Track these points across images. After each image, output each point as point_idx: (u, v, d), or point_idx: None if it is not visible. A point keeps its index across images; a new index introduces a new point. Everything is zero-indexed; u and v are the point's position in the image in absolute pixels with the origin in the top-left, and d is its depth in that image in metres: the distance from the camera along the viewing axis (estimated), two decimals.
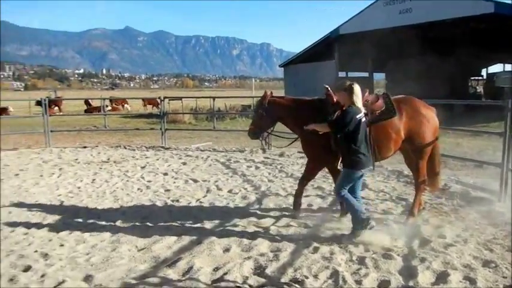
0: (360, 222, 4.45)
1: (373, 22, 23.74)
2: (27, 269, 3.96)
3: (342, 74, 32.48)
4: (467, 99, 25.04)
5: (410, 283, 3.61)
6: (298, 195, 5.48)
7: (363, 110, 4.47)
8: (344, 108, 4.43)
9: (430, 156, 5.25)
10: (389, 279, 3.67)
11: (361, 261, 4.04)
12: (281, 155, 10.13)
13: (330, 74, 27.44)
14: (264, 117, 5.24)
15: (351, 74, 37.26)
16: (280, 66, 34.51)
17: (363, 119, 4.42)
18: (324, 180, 7.49)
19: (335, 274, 3.76)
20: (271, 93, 5.34)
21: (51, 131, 12.38)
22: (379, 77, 45.80)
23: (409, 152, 5.31)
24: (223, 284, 3.62)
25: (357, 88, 4.42)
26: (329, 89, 4.99)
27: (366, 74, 35.97)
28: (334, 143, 4.78)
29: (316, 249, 4.32)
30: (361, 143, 4.39)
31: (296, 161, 9.47)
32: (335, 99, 4.78)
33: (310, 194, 6.62)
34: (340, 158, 4.76)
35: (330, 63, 27.80)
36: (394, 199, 6.31)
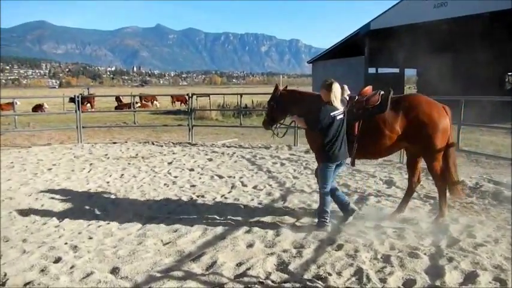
0: (320, 218, 4.83)
1: (406, 17, 23.17)
2: (57, 260, 4.08)
3: (371, 70, 31.94)
4: (504, 95, 24.13)
5: (437, 283, 3.53)
6: None
7: (341, 108, 4.67)
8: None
9: (444, 164, 4.98)
10: (414, 278, 3.59)
11: (386, 259, 3.97)
12: (307, 151, 10.07)
13: (359, 70, 27.06)
14: (275, 109, 5.49)
15: (380, 70, 36.58)
16: (308, 62, 34.28)
17: (339, 116, 4.62)
18: (350, 177, 7.42)
19: (359, 272, 3.71)
20: (286, 86, 5.65)
21: (83, 127, 12.72)
22: (411, 73, 44.78)
23: (412, 152, 5.24)
24: (246, 279, 3.63)
25: (335, 87, 4.61)
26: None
27: (396, 70, 35.24)
28: (307, 138, 5.24)
29: (340, 247, 4.28)
30: (335, 138, 4.62)
31: None
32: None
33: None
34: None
35: (360, 59, 27.37)
36: (422, 197, 6.17)
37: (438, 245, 4.29)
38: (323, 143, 4.65)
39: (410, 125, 4.80)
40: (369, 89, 5.25)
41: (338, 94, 4.65)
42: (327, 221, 4.81)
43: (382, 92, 5.10)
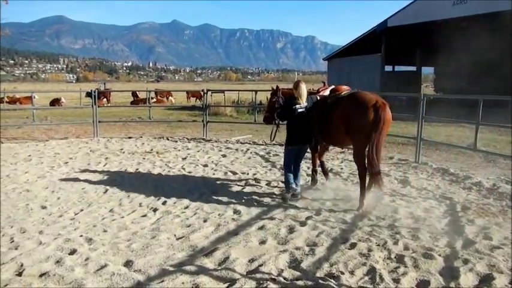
0: (287, 189, 5.94)
1: (424, 14, 22.80)
2: (72, 252, 4.14)
3: (388, 68, 31.59)
4: None
5: (452, 284, 3.48)
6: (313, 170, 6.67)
7: (304, 104, 5.79)
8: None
9: (368, 153, 5.21)
10: (428, 280, 3.55)
11: (400, 259, 3.93)
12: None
13: (376, 67, 26.77)
14: (276, 106, 6.23)
15: (397, 68, 36.13)
16: (324, 59, 34.03)
17: (300, 110, 5.75)
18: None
19: (372, 271, 3.68)
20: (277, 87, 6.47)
21: (99, 122, 12.86)
22: (429, 71, 44.14)
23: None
24: (258, 275, 3.64)
25: (300, 87, 5.79)
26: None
27: (413, 68, 34.77)
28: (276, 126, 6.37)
29: (353, 245, 4.25)
30: (297, 127, 5.79)
31: (336, 155, 9.34)
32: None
33: (350, 189, 6.52)
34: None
35: (376, 56, 27.08)
36: (438, 198, 6.08)
37: (453, 247, 4.23)
38: (288, 130, 5.92)
39: (344, 117, 5.44)
40: (326, 88, 6.31)
41: (302, 92, 5.78)
42: (292, 184, 5.90)
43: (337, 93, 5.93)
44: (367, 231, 4.67)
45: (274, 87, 6.38)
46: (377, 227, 4.77)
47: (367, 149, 5.22)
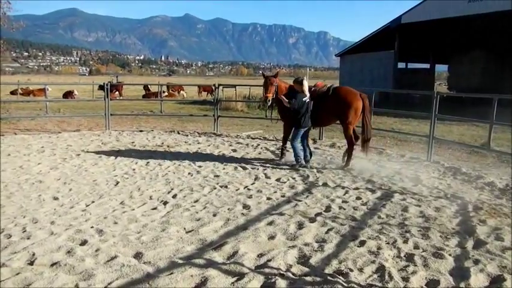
0: (297, 161, 7.67)
1: (439, 11, 22.50)
2: (83, 243, 4.19)
3: (401, 65, 31.27)
4: None
5: (462, 285, 3.44)
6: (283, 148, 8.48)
7: (308, 95, 7.50)
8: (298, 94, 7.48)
9: (362, 127, 7.75)
10: (438, 279, 3.52)
11: (410, 258, 3.91)
12: (332, 145, 9.99)
13: (389, 64, 26.53)
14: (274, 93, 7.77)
15: (410, 65, 35.76)
16: (336, 55, 33.83)
17: (307, 100, 7.47)
18: (375, 173, 7.33)
19: (381, 269, 3.66)
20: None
21: (111, 115, 12.96)
22: (442, 69, 43.63)
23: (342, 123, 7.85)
24: (266, 270, 3.64)
25: (305, 82, 7.54)
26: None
27: (427, 66, 34.38)
28: (280, 113, 8.13)
29: (362, 243, 4.23)
30: (304, 113, 7.47)
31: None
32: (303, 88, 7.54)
33: (360, 186, 6.50)
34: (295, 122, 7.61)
35: (389, 53, 26.84)
36: (449, 197, 6.01)
37: (464, 247, 4.19)
38: (297, 117, 7.48)
39: (337, 106, 7.60)
40: (321, 83, 8.22)
41: (307, 86, 7.52)
42: (300, 159, 7.65)
43: (330, 85, 8.00)
44: (377, 229, 4.64)
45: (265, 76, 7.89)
46: (387, 225, 4.75)
47: (363, 124, 7.69)
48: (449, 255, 3.97)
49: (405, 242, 4.27)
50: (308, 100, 7.48)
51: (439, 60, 33.77)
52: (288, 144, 8.16)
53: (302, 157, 7.67)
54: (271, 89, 7.69)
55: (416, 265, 3.76)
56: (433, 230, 4.62)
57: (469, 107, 13.97)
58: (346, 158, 7.87)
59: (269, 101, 7.70)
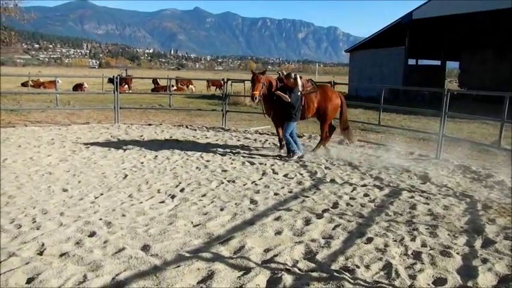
0: (293, 152, 8.06)
1: (451, 7, 22.19)
2: (92, 234, 4.24)
3: (411, 62, 30.97)
4: None
5: (469, 283, 3.43)
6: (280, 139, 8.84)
7: (300, 90, 8.02)
8: (293, 89, 7.95)
9: (341, 119, 8.89)
10: (445, 278, 3.50)
11: (417, 256, 3.89)
12: (340, 142, 9.95)
13: (399, 60, 26.28)
14: (265, 88, 8.03)
15: (421, 62, 35.43)
16: (346, 51, 33.63)
17: (299, 94, 7.97)
18: (383, 171, 7.30)
19: (388, 266, 3.65)
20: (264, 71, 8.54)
21: (120, 108, 13.01)
22: (453, 65, 43.19)
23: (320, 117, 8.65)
24: (273, 265, 3.65)
25: (298, 78, 8.11)
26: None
27: (437, 63, 34.04)
28: (272, 109, 8.29)
29: (369, 240, 4.22)
30: (297, 107, 7.96)
31: (355, 149, 9.26)
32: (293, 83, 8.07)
33: (368, 183, 6.48)
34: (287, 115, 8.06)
35: (399, 49, 26.59)
36: (458, 195, 5.97)
37: (472, 245, 4.16)
38: (291, 110, 7.91)
39: (320, 101, 8.41)
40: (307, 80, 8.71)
41: (300, 82, 8.06)
42: (297, 148, 8.11)
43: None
44: (384, 226, 4.63)
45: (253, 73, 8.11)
46: (394, 223, 4.73)
47: (340, 117, 8.84)
48: (457, 253, 3.95)
49: (413, 239, 4.26)
50: (300, 95, 8.04)
51: (450, 57, 33.42)
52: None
53: (300, 146, 8.27)
54: (258, 86, 7.83)
55: (423, 263, 3.74)
56: (441, 228, 4.60)
57: (479, 105, 13.82)
58: (318, 143, 8.95)
59: (256, 98, 7.87)
